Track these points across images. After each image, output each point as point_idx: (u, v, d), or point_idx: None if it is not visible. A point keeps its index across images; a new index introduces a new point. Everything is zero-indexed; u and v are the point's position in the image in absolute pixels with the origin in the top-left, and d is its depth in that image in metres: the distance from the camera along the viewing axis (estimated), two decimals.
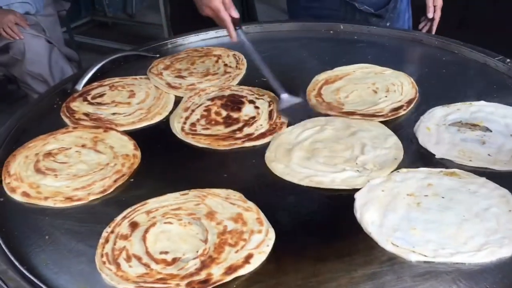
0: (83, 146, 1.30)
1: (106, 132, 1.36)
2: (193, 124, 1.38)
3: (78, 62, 3.37)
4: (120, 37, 4.71)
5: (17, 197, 1.15)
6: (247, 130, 1.34)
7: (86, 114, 1.45)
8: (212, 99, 1.47)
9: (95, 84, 1.61)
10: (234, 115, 1.40)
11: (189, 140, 1.32)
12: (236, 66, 1.68)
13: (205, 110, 1.43)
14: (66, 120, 1.43)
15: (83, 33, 4.94)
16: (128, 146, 1.30)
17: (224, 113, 1.41)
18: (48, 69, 2.96)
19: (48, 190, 1.16)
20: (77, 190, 1.15)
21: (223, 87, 1.55)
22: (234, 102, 1.45)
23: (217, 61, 1.72)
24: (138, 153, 1.28)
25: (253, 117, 1.39)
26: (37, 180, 1.18)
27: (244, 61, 1.70)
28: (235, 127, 1.35)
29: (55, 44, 3.05)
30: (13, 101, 3.49)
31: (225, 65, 1.69)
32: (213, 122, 1.38)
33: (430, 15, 1.91)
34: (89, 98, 1.53)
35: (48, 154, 1.27)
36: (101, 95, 1.54)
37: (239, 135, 1.32)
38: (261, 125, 1.36)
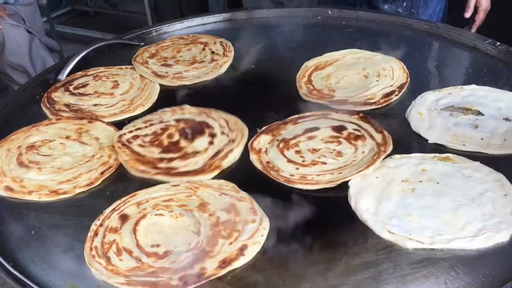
0: (67, 137, 1.26)
1: (91, 123, 1.31)
2: (135, 137, 1.25)
3: (59, 52, 3.29)
4: (103, 27, 4.60)
5: (0, 191, 1.11)
6: (175, 164, 1.16)
7: (67, 105, 1.41)
8: (178, 120, 1.31)
9: (79, 73, 1.57)
10: (184, 144, 1.23)
11: (116, 148, 1.21)
12: (224, 54, 1.64)
13: (161, 129, 1.28)
14: (46, 111, 1.39)
15: (64, 23, 4.84)
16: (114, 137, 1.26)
17: (176, 138, 1.25)
18: (29, 59, 2.88)
19: (32, 184, 1.12)
20: (63, 183, 1.12)
21: (204, 111, 1.34)
22: (194, 131, 1.27)
23: (203, 49, 1.68)
24: None
25: (197, 152, 1.20)
26: (20, 174, 1.14)
27: (232, 48, 1.67)
28: (168, 155, 1.19)
29: (36, 34, 2.96)
30: None
31: (212, 52, 1.65)
32: (155, 143, 1.23)
33: (467, 15, 1.85)
34: (71, 88, 1.48)
35: (31, 146, 1.23)
36: (84, 85, 1.50)
37: (161, 165, 1.16)
38: (195, 162, 1.17)
